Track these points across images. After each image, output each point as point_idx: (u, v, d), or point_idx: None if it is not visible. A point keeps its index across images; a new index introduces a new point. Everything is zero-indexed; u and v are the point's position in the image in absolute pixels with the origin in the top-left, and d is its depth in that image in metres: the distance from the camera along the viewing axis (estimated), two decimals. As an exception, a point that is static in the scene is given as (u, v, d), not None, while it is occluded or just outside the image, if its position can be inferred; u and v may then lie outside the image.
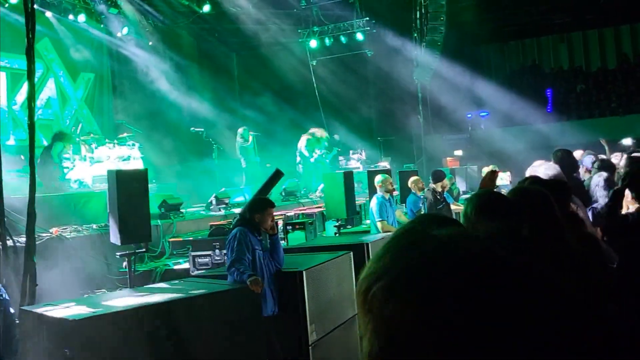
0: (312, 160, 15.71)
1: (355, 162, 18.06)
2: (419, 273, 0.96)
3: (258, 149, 15.88)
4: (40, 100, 16.25)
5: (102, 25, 17.12)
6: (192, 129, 14.78)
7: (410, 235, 1.04)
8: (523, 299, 0.91)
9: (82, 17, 16.16)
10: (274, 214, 6.35)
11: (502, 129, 22.14)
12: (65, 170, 11.85)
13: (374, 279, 1.00)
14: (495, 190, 3.73)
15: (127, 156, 13.79)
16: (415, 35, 18.50)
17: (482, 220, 2.72)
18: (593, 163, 7.49)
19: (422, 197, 9.60)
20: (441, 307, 0.93)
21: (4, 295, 4.76)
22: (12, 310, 4.77)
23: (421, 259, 0.97)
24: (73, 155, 13.20)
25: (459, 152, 22.18)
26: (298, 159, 15.74)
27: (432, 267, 0.95)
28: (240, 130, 15.49)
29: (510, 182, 13.07)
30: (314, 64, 20.16)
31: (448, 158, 20.96)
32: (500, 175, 9.34)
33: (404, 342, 0.96)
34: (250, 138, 15.41)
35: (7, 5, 13.84)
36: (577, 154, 8.49)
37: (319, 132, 16.13)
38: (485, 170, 14.34)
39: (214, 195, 11.68)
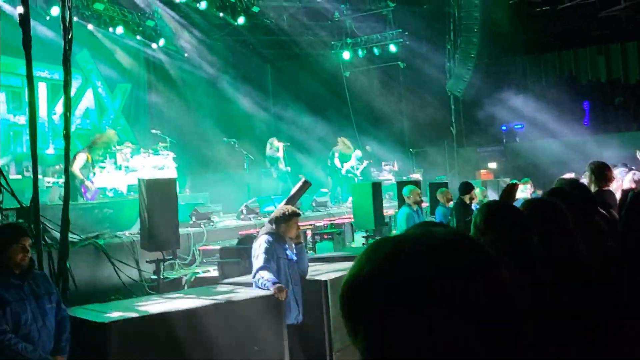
0: (343, 172, 15.80)
1: (387, 173, 18.06)
2: (380, 272, 1.03)
3: (289, 159, 16.00)
4: (78, 111, 16.67)
5: (139, 37, 17.49)
6: (224, 139, 14.96)
7: (378, 241, 1.13)
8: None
9: (120, 29, 16.54)
10: (302, 223, 6.43)
11: (537, 142, 21.90)
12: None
13: (353, 277, 1.08)
14: (512, 202, 3.74)
15: (162, 165, 14.02)
16: (449, 47, 18.48)
17: (491, 229, 2.75)
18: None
19: (450, 209, 9.58)
20: (400, 302, 1.00)
21: (55, 292, 4.94)
22: (63, 306, 4.96)
23: (384, 256, 1.05)
24: (109, 164, 13.50)
25: (493, 165, 22.00)
26: (329, 163, 15.88)
27: (394, 259, 1.03)
28: (270, 140, 15.64)
29: (531, 194, 12.92)
30: (347, 75, 20.26)
31: (482, 170, 20.81)
32: (521, 187, 9.26)
33: (384, 340, 1.03)
34: (281, 148, 15.53)
35: (48, 17, 14.24)
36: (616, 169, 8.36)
37: (348, 145, 16.25)
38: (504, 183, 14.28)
39: (244, 204, 11.81)
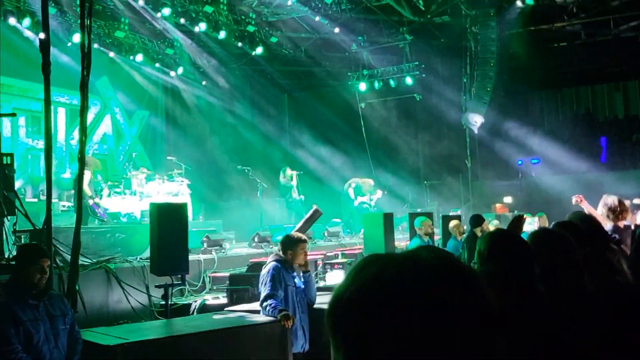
0: (355, 204, 15.84)
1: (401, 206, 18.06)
2: (367, 290, 1.05)
3: (303, 188, 16.04)
4: (96, 136, 16.88)
5: (158, 65, 17.76)
6: (239, 167, 15.05)
7: (366, 259, 1.15)
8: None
9: (139, 57, 16.81)
10: (313, 252, 6.42)
11: (553, 177, 21.77)
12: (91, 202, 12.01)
13: (340, 295, 1.10)
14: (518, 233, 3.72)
15: (176, 192, 14.14)
16: (465, 80, 18.52)
17: (494, 258, 2.73)
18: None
19: (462, 242, 9.52)
20: (385, 319, 1.02)
21: (70, 314, 4.98)
22: (77, 328, 4.98)
23: (368, 277, 1.06)
24: (124, 190, 13.63)
25: (508, 199, 21.87)
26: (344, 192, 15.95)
27: (374, 284, 1.05)
28: (284, 168, 15.72)
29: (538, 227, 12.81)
30: (363, 106, 20.37)
31: (497, 204, 20.69)
32: (529, 220, 9.19)
33: (367, 354, 1.05)
34: (294, 177, 15.60)
35: (69, 44, 14.51)
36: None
37: (367, 184, 16.33)
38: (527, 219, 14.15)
39: (256, 232, 11.83)
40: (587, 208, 7.20)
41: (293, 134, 21.78)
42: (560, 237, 3.13)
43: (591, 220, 5.06)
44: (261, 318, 5.79)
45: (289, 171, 15.64)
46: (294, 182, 15.51)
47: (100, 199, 12.65)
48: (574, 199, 7.60)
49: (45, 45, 6.92)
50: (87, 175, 11.79)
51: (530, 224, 10.03)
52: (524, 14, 17.74)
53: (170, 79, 18.42)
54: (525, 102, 22.32)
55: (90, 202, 11.83)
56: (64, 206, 13.16)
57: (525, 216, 4.84)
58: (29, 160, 15.08)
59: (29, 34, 13.99)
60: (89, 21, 7.38)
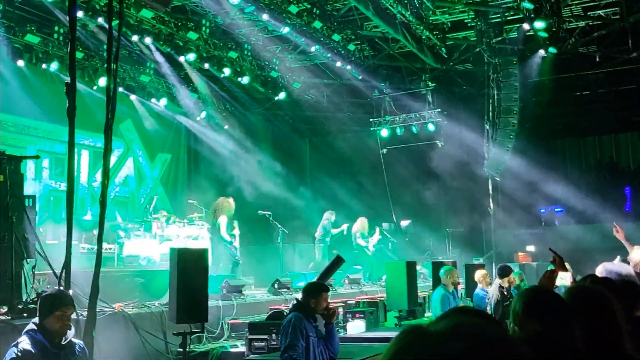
0: (370, 248, 15.72)
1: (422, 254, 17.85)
2: None
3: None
4: (118, 178, 16.96)
5: (181, 109, 17.93)
6: (259, 211, 14.97)
7: (404, 337, 1.04)
8: None
9: (163, 101, 17.00)
10: (334, 300, 6.28)
11: (577, 226, 21.45)
12: None
13: None
14: (552, 289, 3.56)
15: (196, 236, 14.08)
16: (487, 127, 18.43)
17: (531, 318, 2.58)
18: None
19: (488, 292, 9.30)
20: None
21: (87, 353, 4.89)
22: None
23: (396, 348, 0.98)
24: (144, 232, 13.60)
25: (531, 248, 21.55)
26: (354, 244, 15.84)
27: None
28: (331, 212, 15.69)
29: (571, 282, 12.54)
30: (385, 152, 20.32)
31: (519, 253, 20.37)
32: (561, 274, 8.95)
33: None
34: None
35: (95, 87, 14.71)
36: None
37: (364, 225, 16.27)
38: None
39: (277, 279, 11.68)
40: (624, 242, 7.03)
41: (314, 180, 21.74)
42: (601, 295, 2.97)
43: (627, 275, 4.87)
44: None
45: (333, 217, 15.60)
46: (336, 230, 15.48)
47: (122, 242, 12.66)
48: (615, 228, 7.41)
49: (71, 89, 6.94)
50: (224, 220, 12.63)
51: (563, 279, 9.78)
52: (547, 62, 17.73)
53: (193, 123, 18.56)
54: (548, 150, 22.15)
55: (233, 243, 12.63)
56: (84, 248, 13.12)
57: (557, 269, 4.66)
58: (50, 202, 15.14)
59: (54, 76, 14.21)
60: (115, 65, 7.42)
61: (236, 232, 13.11)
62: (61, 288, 6.94)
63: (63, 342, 4.64)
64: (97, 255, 6.96)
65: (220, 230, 12.79)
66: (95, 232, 13.91)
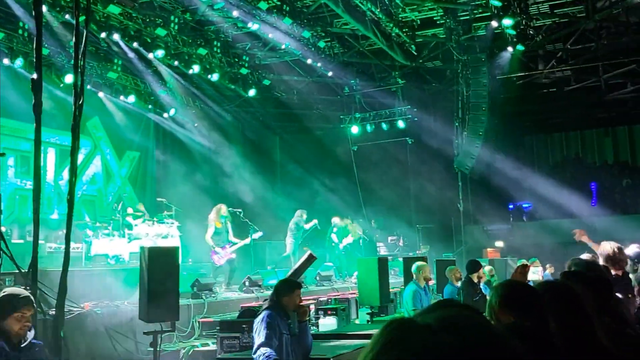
0: (340, 247, 15.73)
1: (389, 249, 17.92)
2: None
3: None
4: (85, 177, 16.71)
5: (150, 106, 17.72)
6: (230, 209, 14.88)
7: (391, 331, 1.01)
8: None
9: (132, 98, 16.78)
10: (305, 297, 6.25)
11: (544, 222, 21.74)
12: None
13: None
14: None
15: (166, 234, 13.94)
16: (457, 124, 18.58)
17: (507, 311, 2.60)
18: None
19: (458, 287, 9.36)
20: None
21: None
22: None
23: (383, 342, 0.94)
24: (113, 231, 13.42)
25: (499, 244, 21.78)
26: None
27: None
28: (302, 211, 15.59)
29: (542, 277, 12.69)
30: (355, 149, 20.35)
31: (488, 249, 20.58)
32: (532, 269, 9.06)
33: None
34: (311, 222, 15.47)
35: (62, 85, 14.46)
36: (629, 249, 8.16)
37: (344, 222, 16.27)
38: (518, 263, 14.05)
39: (247, 276, 11.61)
40: (589, 243, 7.11)
41: (285, 176, 21.68)
42: (570, 290, 3.01)
43: (597, 269, 4.94)
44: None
45: (305, 215, 15.50)
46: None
47: (90, 241, 12.49)
48: (576, 234, 7.49)
49: (37, 86, 6.79)
50: (212, 226, 12.66)
51: (534, 273, 9.91)
52: (515, 59, 17.93)
53: (162, 120, 18.36)
54: (516, 147, 22.44)
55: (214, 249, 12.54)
56: (50, 247, 12.90)
57: (529, 265, 4.70)
58: (16, 200, 14.85)
59: (19, 73, 13.94)
60: (82, 62, 7.29)
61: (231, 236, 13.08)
62: (22, 287, 6.80)
63: (22, 345, 4.49)
64: (65, 254, 6.83)
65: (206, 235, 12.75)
66: (62, 231, 13.72)
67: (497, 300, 2.67)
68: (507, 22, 15.09)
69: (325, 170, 20.43)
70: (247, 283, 11.30)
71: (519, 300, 2.64)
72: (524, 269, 3.86)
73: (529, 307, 2.61)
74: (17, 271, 7.45)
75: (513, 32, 15.75)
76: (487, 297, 8.83)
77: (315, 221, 15.56)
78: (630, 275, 6.88)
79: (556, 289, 3.03)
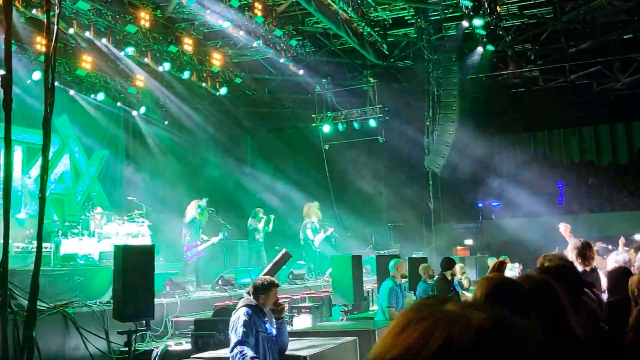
0: (316, 244, 15.74)
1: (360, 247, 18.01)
2: (416, 350, 0.92)
3: (268, 231, 15.84)
4: (54, 175, 16.46)
5: (119, 104, 17.51)
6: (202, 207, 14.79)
7: (410, 314, 1.01)
8: None
9: (101, 96, 16.58)
10: (279, 296, 6.24)
11: (512, 220, 22.01)
12: None
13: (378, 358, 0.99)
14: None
15: (136, 233, 13.80)
16: (428, 123, 18.73)
17: (491, 304, 2.62)
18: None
19: (432, 285, 9.43)
20: None
21: None
22: None
23: (413, 340, 0.95)
24: (82, 230, 13.23)
25: (469, 242, 22.00)
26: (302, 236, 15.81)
27: (426, 344, 0.93)
28: (256, 212, 15.48)
29: (519, 273, 12.86)
30: (327, 148, 20.37)
31: (458, 247, 20.77)
32: (509, 265, 9.17)
33: None
34: (263, 220, 15.38)
35: (29, 81, 14.22)
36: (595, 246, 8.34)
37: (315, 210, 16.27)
38: (490, 261, 14.21)
39: (220, 275, 11.56)
40: (568, 239, 7.25)
41: (256, 175, 21.61)
42: (549, 284, 3.07)
43: (570, 265, 5.02)
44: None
45: (261, 213, 15.38)
46: (269, 227, 15.29)
47: (59, 241, 12.31)
48: (562, 227, 7.61)
49: (7, 81, 6.67)
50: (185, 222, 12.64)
51: (511, 270, 10.03)
52: (484, 59, 18.12)
53: (132, 119, 18.16)
54: (485, 145, 22.65)
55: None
56: (17, 247, 12.67)
57: (507, 261, 4.77)
58: (-19, 199, 14.54)
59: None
60: (53, 58, 7.18)
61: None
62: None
63: None
64: (36, 253, 6.65)
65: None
66: (30, 230, 13.53)
67: (483, 294, 2.69)
68: (478, 22, 15.24)
69: (296, 169, 20.42)
70: (220, 282, 11.24)
71: (504, 294, 2.66)
72: (502, 265, 3.90)
73: (514, 300, 2.64)
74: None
75: (483, 32, 15.91)
76: (460, 294, 8.90)
77: (271, 216, 15.49)
78: (600, 271, 7.03)
79: (537, 284, 3.09)
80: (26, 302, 7.59)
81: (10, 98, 6.83)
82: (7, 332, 6.39)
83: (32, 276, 6.51)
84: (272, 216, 15.54)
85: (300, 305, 9.40)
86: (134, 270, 6.32)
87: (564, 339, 2.82)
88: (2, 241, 6.91)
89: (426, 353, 0.92)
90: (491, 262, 12.85)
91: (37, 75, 14.26)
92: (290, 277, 13.20)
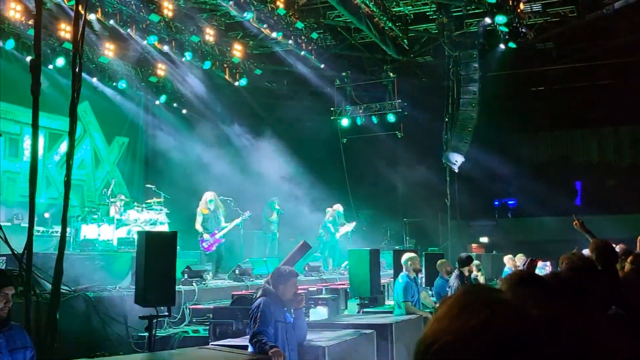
0: (337, 235, 15.78)
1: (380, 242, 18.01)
2: (469, 342, 0.93)
3: (283, 223, 15.91)
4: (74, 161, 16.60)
5: (141, 92, 17.63)
6: (221, 197, 14.86)
7: (467, 297, 1.02)
8: None
9: (122, 84, 16.68)
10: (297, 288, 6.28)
11: (529, 218, 21.95)
12: None
13: (430, 342, 0.98)
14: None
15: (154, 220, 13.91)
16: (447, 119, 18.68)
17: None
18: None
19: (449, 280, 9.45)
20: None
21: (31, 347, 4.66)
22: None
23: (470, 326, 0.94)
24: (101, 217, 13.36)
25: (484, 239, 21.97)
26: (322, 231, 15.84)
27: (486, 332, 0.92)
28: (273, 203, 15.58)
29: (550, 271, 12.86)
30: (345, 142, 20.38)
31: (473, 244, 20.75)
32: (540, 264, 9.10)
33: None
34: (277, 210, 15.46)
35: (51, 67, 14.34)
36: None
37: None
38: (507, 258, 14.18)
39: (238, 265, 11.63)
40: (587, 235, 7.21)
41: (273, 167, 21.63)
42: (577, 282, 3.09)
43: (593, 264, 5.02)
44: (250, 355, 5.60)
45: (272, 204, 15.50)
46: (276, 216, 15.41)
47: (78, 226, 12.46)
48: (576, 223, 7.54)
49: (36, 67, 6.76)
50: (200, 214, 12.90)
51: (542, 269, 9.98)
52: (505, 57, 18.04)
53: (152, 107, 18.29)
54: (504, 144, 22.58)
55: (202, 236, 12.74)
56: (38, 231, 12.80)
57: (537, 260, 4.78)
58: (4, 183, 14.72)
59: (9, 54, 13.81)
60: (81, 45, 7.26)
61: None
62: (9, 269, 6.77)
63: (3, 327, 4.42)
64: (60, 237, 6.83)
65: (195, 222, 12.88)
66: (48, 214, 13.68)
67: (508, 289, 2.72)
68: (500, 19, 15.18)
69: (314, 162, 20.43)
70: (237, 271, 11.32)
71: (530, 291, 2.69)
72: (532, 262, 3.93)
73: (540, 298, 2.66)
74: (11, 253, 7.42)
75: (505, 30, 15.84)
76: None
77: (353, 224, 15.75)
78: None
79: (564, 281, 3.11)
80: (47, 284, 7.74)
81: (39, 84, 6.95)
82: (31, 314, 6.51)
83: (57, 260, 6.64)
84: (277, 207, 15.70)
85: (316, 296, 9.46)
86: (157, 256, 6.39)
87: (592, 337, 2.84)
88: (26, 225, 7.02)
89: (483, 341, 0.91)
90: (518, 259, 12.84)
91: (60, 61, 14.39)
92: (306, 268, 13.25)
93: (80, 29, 7.32)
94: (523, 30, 16.16)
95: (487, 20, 15.82)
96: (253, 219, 15.47)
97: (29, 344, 4.63)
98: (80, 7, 7.40)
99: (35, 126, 6.90)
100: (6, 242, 7.39)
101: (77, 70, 7.13)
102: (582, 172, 24.59)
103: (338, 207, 16.30)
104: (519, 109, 22.51)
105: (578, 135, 25.72)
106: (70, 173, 6.90)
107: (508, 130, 23.45)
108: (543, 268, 10.59)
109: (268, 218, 15.42)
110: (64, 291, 7.71)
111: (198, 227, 12.81)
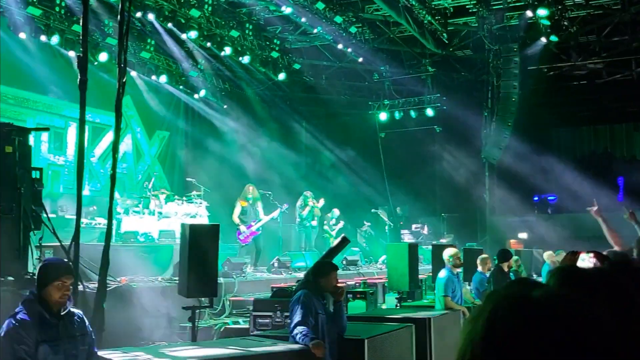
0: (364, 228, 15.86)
1: (412, 236, 17.99)
2: (514, 337, 0.97)
3: (318, 216, 15.98)
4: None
5: (181, 87, 17.87)
6: (260, 190, 15.01)
7: (507, 299, 1.06)
8: None
9: (163, 78, 16.93)
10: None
11: (569, 214, 21.59)
12: None
13: (469, 342, 1.02)
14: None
15: (194, 214, 14.12)
16: (486, 114, 18.50)
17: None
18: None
19: (488, 276, 9.41)
20: None
21: (89, 333, 4.81)
22: (95, 350, 4.82)
23: (515, 324, 0.99)
24: (143, 209, 13.62)
25: (523, 235, 21.69)
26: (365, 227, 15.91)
27: (526, 334, 0.97)
28: (306, 194, 15.67)
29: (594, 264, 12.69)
30: (383, 136, 20.35)
31: (512, 240, 20.51)
32: (582, 256, 8.92)
33: None
34: (310, 205, 15.51)
35: (96, 63, 14.62)
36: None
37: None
38: (547, 254, 14.01)
39: (276, 258, 11.75)
40: (602, 223, 7.00)
41: (311, 161, 21.75)
42: (620, 278, 3.06)
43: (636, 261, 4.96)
44: (291, 345, 5.68)
45: (305, 198, 15.57)
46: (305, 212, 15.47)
47: (120, 218, 12.71)
48: (627, 214, 7.23)
49: (83, 62, 6.93)
50: (238, 205, 13.39)
51: (583, 260, 9.85)
52: (546, 50, 17.77)
53: (192, 101, 18.53)
54: (544, 139, 22.28)
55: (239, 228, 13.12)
56: (82, 223, 13.08)
57: (579, 252, 4.73)
58: (49, 175, 15.09)
59: (55, 50, 14.12)
60: (126, 41, 7.41)
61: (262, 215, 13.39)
62: (63, 258, 6.96)
63: (62, 313, 4.59)
64: (107, 229, 7.01)
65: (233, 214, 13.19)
66: (93, 207, 13.98)
67: (556, 284, 2.72)
68: (542, 12, 14.98)
69: (352, 157, 20.46)
70: (275, 264, 11.44)
71: (579, 284, 2.69)
72: (574, 256, 3.89)
73: (590, 291, 2.66)
74: (57, 244, 7.64)
75: (547, 23, 15.61)
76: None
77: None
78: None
79: (608, 277, 3.09)
80: (93, 274, 7.94)
81: (86, 78, 7.11)
82: (78, 303, 6.69)
83: (103, 251, 6.80)
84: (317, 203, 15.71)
85: (354, 290, 9.52)
86: (200, 248, 6.51)
87: (633, 327, 2.82)
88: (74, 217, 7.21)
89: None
90: (559, 255, 12.68)
91: (103, 56, 14.66)
92: (344, 262, 13.32)
93: (125, 25, 7.49)
94: (565, 23, 15.91)
95: (529, 13, 15.60)
96: (291, 213, 15.61)
97: (87, 331, 4.79)
98: (125, 4, 7.57)
99: (82, 121, 7.08)
100: (54, 233, 7.62)
101: (122, 65, 7.30)
102: (625, 168, 24.09)
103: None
104: (560, 103, 22.15)
105: (620, 130, 25.22)
106: (116, 166, 7.07)
107: (548, 125, 23.12)
108: (584, 260, 10.45)
109: (300, 213, 15.50)
110: (108, 282, 7.90)
111: (235, 218, 12.99)
